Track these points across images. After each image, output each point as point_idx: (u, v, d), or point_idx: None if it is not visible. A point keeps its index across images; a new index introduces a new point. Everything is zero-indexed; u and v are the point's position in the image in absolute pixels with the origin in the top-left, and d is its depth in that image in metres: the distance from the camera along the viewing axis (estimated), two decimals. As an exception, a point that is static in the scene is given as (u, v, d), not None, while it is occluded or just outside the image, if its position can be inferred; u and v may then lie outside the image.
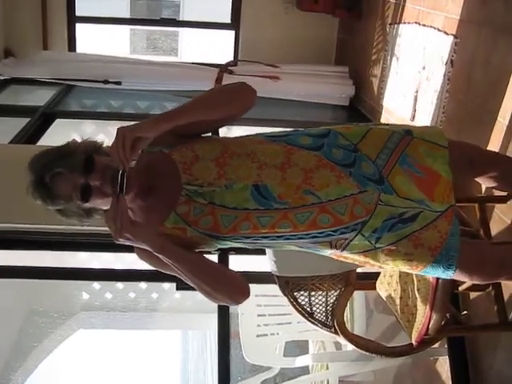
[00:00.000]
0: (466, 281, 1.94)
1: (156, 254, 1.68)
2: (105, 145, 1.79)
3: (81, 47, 5.92)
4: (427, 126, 2.02)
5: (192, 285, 1.74)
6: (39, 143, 4.11)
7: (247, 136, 1.88)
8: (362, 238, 1.76)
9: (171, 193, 1.74)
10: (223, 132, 2.62)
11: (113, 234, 1.64)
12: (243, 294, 1.78)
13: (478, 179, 2.11)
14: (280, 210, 1.71)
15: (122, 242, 1.65)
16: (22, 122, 4.24)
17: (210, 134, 1.92)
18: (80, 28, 5.90)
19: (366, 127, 1.92)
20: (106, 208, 1.71)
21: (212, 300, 1.77)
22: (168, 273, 1.81)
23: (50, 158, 1.69)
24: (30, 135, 4.11)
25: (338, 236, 1.76)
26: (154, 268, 1.82)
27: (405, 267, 1.82)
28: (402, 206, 1.76)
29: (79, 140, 1.77)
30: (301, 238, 1.77)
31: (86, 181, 1.66)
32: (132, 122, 1.67)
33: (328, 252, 1.84)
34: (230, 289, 1.77)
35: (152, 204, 1.75)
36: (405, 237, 1.76)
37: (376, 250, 1.78)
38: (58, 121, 4.56)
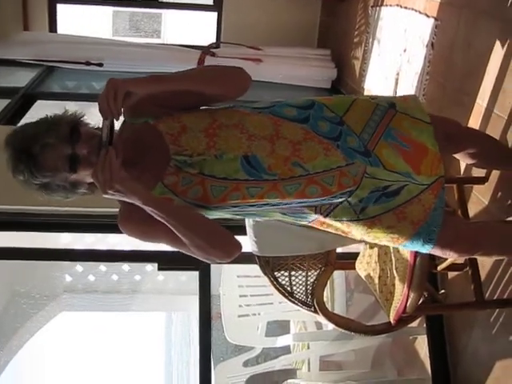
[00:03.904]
0: (440, 256, 1.97)
1: (147, 208, 1.65)
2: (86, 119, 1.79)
3: (62, 28, 5.86)
4: (408, 98, 2.01)
5: (185, 240, 1.70)
6: (19, 125, 4.09)
7: (233, 106, 1.87)
8: (348, 206, 1.79)
9: (158, 164, 1.73)
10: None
11: (101, 185, 1.60)
12: (237, 247, 1.77)
13: (455, 155, 2.15)
14: (269, 181, 1.73)
15: (110, 194, 1.62)
16: (2, 104, 4.20)
17: None
18: (61, 8, 5.84)
19: (350, 98, 1.94)
20: (90, 181, 1.69)
21: (205, 255, 1.74)
22: (156, 241, 1.80)
23: (35, 129, 1.67)
24: (11, 117, 4.08)
25: (326, 202, 1.78)
26: (139, 239, 1.79)
27: (385, 239, 1.85)
28: (387, 179, 1.79)
29: (59, 113, 1.76)
30: (288, 204, 1.79)
31: (74, 150, 1.66)
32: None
33: (312, 217, 1.85)
34: (224, 241, 1.76)
35: (138, 176, 1.72)
36: (389, 210, 1.79)
37: (359, 221, 1.81)
38: (38, 102, 4.53)
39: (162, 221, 1.67)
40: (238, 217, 1.89)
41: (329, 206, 1.80)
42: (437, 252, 1.89)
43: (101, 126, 1.67)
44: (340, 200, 1.78)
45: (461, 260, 2.60)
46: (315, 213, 1.83)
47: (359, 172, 1.77)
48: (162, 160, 1.73)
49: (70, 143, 1.66)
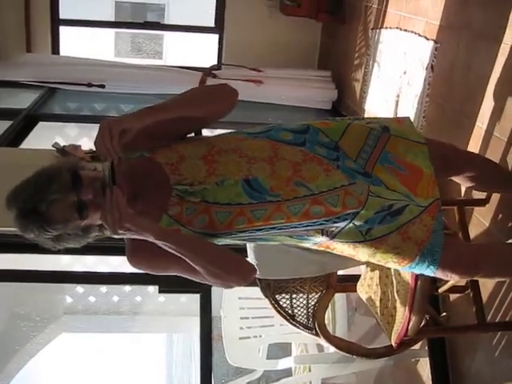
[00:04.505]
0: (442, 278, 1.97)
1: (159, 242, 1.64)
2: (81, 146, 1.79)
3: (64, 50, 5.91)
4: (402, 121, 2.03)
5: (200, 269, 1.69)
6: (22, 146, 4.10)
7: (228, 133, 1.88)
8: (354, 228, 1.79)
9: (161, 195, 1.72)
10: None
11: (111, 226, 1.59)
12: (251, 271, 1.79)
13: (454, 178, 2.16)
14: (273, 203, 1.72)
15: (121, 234, 1.61)
16: (4, 125, 4.22)
17: (192, 135, 1.91)
18: (64, 31, 5.88)
19: (344, 122, 1.94)
20: (99, 222, 1.67)
21: (221, 282, 1.74)
22: (168, 272, 1.78)
23: (36, 186, 1.65)
24: (13, 138, 4.09)
25: (331, 224, 1.78)
26: (152, 273, 1.78)
27: (392, 260, 1.84)
28: (390, 198, 1.80)
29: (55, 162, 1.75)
30: (294, 227, 1.79)
31: (79, 197, 1.64)
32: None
33: (318, 239, 1.85)
34: (238, 266, 1.77)
35: (142, 210, 1.71)
36: (394, 230, 1.79)
37: (365, 242, 1.81)
38: (40, 124, 4.54)
39: (175, 253, 1.66)
40: (242, 242, 1.88)
41: (335, 228, 1.80)
42: (439, 274, 1.89)
43: (98, 165, 1.68)
44: (345, 223, 1.78)
45: (462, 282, 2.60)
46: (322, 235, 1.82)
47: (364, 191, 1.78)
48: (163, 191, 1.72)
49: (75, 191, 1.64)
